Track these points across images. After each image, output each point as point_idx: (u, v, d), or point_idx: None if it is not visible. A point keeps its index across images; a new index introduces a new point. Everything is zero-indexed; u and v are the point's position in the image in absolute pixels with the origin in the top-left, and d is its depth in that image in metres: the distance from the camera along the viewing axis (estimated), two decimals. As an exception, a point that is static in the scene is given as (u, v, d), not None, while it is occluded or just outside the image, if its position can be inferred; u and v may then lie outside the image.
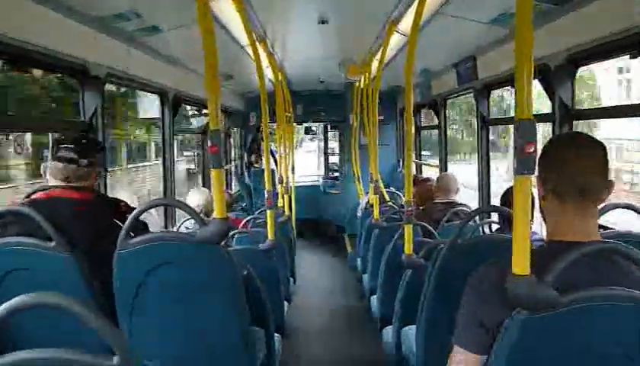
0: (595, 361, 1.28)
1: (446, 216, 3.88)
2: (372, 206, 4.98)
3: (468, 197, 5.27)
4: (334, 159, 10.83)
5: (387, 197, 5.68)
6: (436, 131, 6.32)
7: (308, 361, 4.31)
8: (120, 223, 2.26)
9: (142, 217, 2.20)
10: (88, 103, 3.27)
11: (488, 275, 1.40)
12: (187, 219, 4.24)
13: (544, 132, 4.44)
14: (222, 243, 2.16)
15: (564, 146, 1.44)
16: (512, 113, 1.50)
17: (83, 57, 3.12)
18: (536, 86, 3.19)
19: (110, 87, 3.82)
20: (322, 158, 11.87)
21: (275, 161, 8.26)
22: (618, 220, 2.65)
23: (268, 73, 5.29)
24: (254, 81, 4.86)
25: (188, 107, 7.31)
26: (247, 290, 2.24)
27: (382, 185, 5.61)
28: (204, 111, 6.33)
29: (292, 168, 7.86)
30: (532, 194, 1.47)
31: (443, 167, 5.96)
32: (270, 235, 3.68)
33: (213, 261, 2.10)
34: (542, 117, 3.39)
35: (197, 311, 2.17)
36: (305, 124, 10.32)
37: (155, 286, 2.12)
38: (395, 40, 4.25)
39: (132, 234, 2.14)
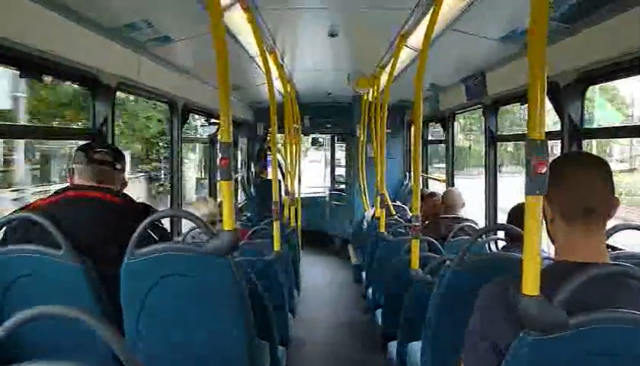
0: None
1: (452, 231, 3.87)
2: (378, 219, 4.97)
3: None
4: (340, 171, 10.83)
5: (393, 211, 5.67)
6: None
7: None
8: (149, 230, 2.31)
9: None
10: (99, 111, 3.29)
11: (496, 294, 1.39)
12: (193, 229, 4.24)
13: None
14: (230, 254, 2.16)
15: (568, 165, 1.43)
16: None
17: (94, 66, 3.14)
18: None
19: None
20: (328, 170, 11.86)
21: (282, 172, 8.27)
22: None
23: (277, 84, 5.31)
24: (262, 92, 4.89)
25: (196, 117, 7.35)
26: (252, 301, 2.23)
27: (388, 198, 5.60)
28: (212, 120, 6.35)
29: (299, 179, 7.87)
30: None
31: (450, 181, 5.95)
32: (275, 246, 3.68)
33: (221, 273, 2.09)
34: (551, 135, 3.38)
35: (203, 322, 2.16)
36: (312, 136, 10.33)
37: (161, 296, 2.12)
38: (405, 54, 4.26)
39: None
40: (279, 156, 8.01)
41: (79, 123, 10.24)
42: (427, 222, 4.57)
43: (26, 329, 0.99)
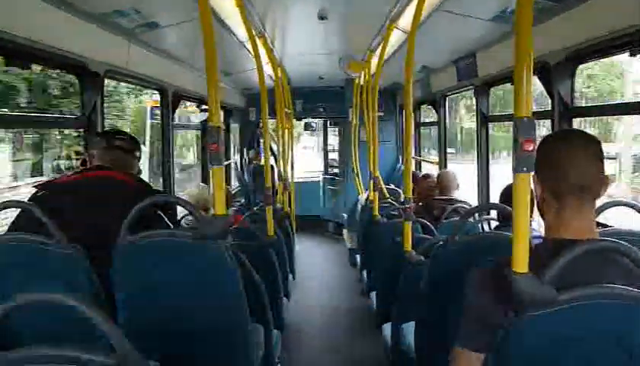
0: (595, 358, 1.28)
1: (445, 213, 3.89)
2: (371, 202, 4.98)
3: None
4: (333, 156, 10.82)
5: (387, 194, 5.68)
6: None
7: (307, 357, 4.32)
8: (161, 213, 2.43)
9: None
10: (87, 99, 3.27)
11: (487, 273, 1.40)
12: (187, 215, 4.24)
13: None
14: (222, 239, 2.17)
15: (558, 143, 1.43)
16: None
17: (82, 53, 3.11)
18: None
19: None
20: (321, 155, 11.85)
21: (275, 157, 8.26)
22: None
23: (268, 69, 5.28)
24: (253, 78, 4.86)
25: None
26: (245, 285, 2.24)
27: (381, 182, 5.61)
28: (203, 107, 6.32)
29: (292, 165, 7.86)
30: (531, 191, 1.48)
31: (443, 164, 5.96)
32: (269, 231, 3.68)
33: (213, 258, 2.10)
34: (540, 114, 3.39)
35: (196, 307, 2.17)
36: (304, 120, 10.32)
37: (154, 281, 2.12)
38: (395, 37, 4.24)
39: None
40: (271, 141, 8.01)
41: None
42: (421, 204, 4.58)
43: (15, 317, 0.99)
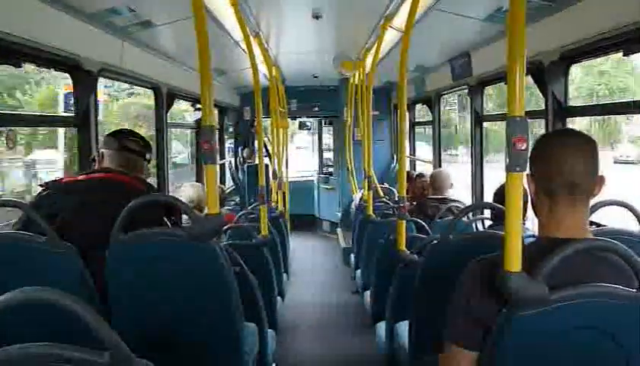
0: (586, 357, 1.29)
1: (439, 212, 3.90)
2: (365, 201, 4.98)
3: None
4: (328, 155, 10.82)
5: (381, 193, 5.69)
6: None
7: (301, 356, 4.32)
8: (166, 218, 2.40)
9: None
10: (81, 98, 3.25)
11: (479, 271, 1.40)
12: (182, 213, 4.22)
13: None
14: (215, 238, 2.16)
15: (553, 143, 1.43)
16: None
17: (76, 52, 3.10)
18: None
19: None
20: (316, 155, 11.84)
21: (269, 156, 8.26)
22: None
23: (262, 68, 5.28)
24: (247, 77, 4.86)
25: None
26: (240, 285, 2.24)
27: (375, 181, 5.61)
28: (198, 106, 6.30)
29: (286, 164, 7.85)
30: (525, 190, 1.48)
31: (437, 163, 5.97)
32: (263, 230, 3.68)
33: (206, 257, 2.10)
34: (534, 114, 3.40)
35: (190, 306, 2.16)
36: (299, 119, 10.32)
37: (147, 280, 2.12)
38: (390, 36, 4.25)
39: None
40: (266, 140, 8.00)
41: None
42: (414, 203, 4.59)
43: (6, 315, 0.98)
